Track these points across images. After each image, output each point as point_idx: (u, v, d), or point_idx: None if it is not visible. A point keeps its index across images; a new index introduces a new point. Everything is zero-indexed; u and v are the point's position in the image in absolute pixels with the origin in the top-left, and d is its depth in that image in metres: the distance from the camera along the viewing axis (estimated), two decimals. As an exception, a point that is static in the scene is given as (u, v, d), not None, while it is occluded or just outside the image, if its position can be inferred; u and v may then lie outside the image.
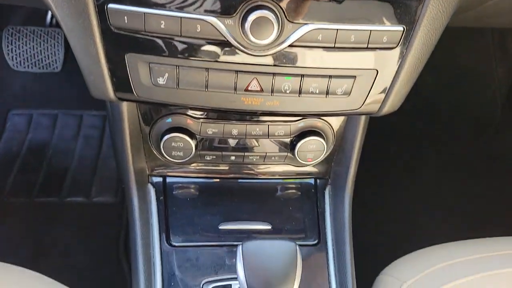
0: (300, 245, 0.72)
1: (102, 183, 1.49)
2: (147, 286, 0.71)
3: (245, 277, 0.54)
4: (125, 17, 0.50)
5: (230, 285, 0.72)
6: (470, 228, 1.42)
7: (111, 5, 0.50)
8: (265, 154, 0.76)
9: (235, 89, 0.56)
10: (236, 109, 0.60)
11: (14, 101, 1.63)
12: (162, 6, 0.50)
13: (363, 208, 0.84)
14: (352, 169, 0.78)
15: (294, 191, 0.83)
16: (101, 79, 0.57)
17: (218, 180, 0.81)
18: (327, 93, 0.58)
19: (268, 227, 0.78)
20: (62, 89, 1.68)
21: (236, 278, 0.56)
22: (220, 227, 0.77)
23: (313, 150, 0.73)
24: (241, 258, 0.55)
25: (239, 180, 0.82)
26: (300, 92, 0.57)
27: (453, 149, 1.65)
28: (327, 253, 0.76)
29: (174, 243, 0.75)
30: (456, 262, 0.79)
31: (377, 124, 0.87)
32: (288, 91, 0.57)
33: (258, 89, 0.57)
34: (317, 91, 0.58)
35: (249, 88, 0.57)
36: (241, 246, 0.57)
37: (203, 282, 0.72)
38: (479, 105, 1.76)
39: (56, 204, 1.43)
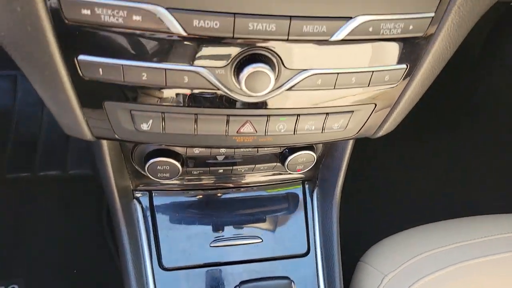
0: (290, 256, 0.73)
1: (78, 154, 1.41)
2: None
3: None
4: (100, 69, 0.44)
5: None
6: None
7: (81, 57, 0.43)
8: (254, 166, 0.73)
9: (227, 132, 0.52)
10: (228, 146, 0.56)
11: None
12: (142, 57, 0.43)
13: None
14: (341, 175, 0.77)
15: (282, 200, 0.82)
16: (75, 123, 0.51)
17: (205, 194, 0.79)
18: (323, 129, 0.55)
19: (259, 240, 0.78)
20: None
21: None
22: (211, 245, 0.76)
23: (304, 162, 0.71)
24: None
25: (226, 196, 0.81)
26: (295, 131, 0.54)
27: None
28: (316, 264, 0.78)
29: (166, 266, 0.74)
30: (434, 253, 0.83)
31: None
32: (282, 131, 0.54)
33: (251, 130, 0.53)
34: (313, 128, 0.54)
35: (242, 131, 0.53)
36: None
37: None
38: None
39: (30, 179, 1.37)
